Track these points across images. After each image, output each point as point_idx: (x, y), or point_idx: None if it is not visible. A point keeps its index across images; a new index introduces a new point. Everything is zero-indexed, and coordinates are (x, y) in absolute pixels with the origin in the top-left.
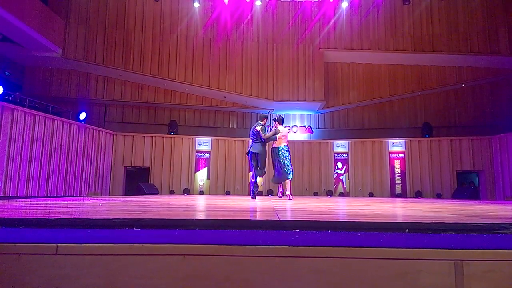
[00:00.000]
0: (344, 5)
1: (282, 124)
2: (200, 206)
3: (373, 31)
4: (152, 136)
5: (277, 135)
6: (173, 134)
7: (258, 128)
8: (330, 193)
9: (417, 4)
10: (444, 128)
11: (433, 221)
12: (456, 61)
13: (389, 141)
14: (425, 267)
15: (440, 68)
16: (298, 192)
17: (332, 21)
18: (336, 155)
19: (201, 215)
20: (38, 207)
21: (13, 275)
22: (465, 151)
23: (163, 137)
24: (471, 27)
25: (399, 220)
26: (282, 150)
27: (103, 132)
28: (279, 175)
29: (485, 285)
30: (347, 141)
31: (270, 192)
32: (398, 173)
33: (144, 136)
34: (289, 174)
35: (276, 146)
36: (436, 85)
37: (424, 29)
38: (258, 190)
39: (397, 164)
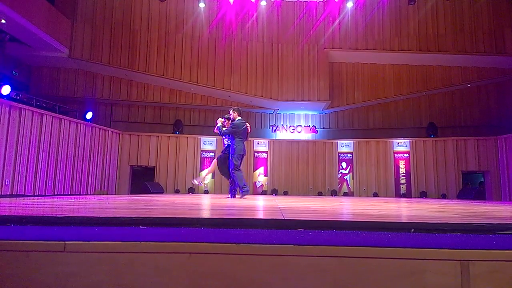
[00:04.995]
0: (349, 5)
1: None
2: (206, 205)
3: (378, 31)
4: (158, 136)
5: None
6: (178, 133)
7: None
8: (334, 193)
9: (422, 4)
10: (449, 128)
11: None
12: (462, 61)
13: (394, 141)
14: (431, 267)
15: (445, 68)
16: (302, 191)
17: (337, 21)
18: (340, 155)
19: (206, 214)
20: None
21: (21, 272)
22: (470, 151)
23: (169, 136)
24: (476, 27)
25: (404, 220)
26: None
27: (109, 132)
28: None
29: (492, 285)
30: (352, 141)
31: (274, 192)
32: (402, 173)
33: (150, 136)
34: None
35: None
36: (442, 85)
37: (429, 29)
38: (263, 190)
39: (401, 164)
